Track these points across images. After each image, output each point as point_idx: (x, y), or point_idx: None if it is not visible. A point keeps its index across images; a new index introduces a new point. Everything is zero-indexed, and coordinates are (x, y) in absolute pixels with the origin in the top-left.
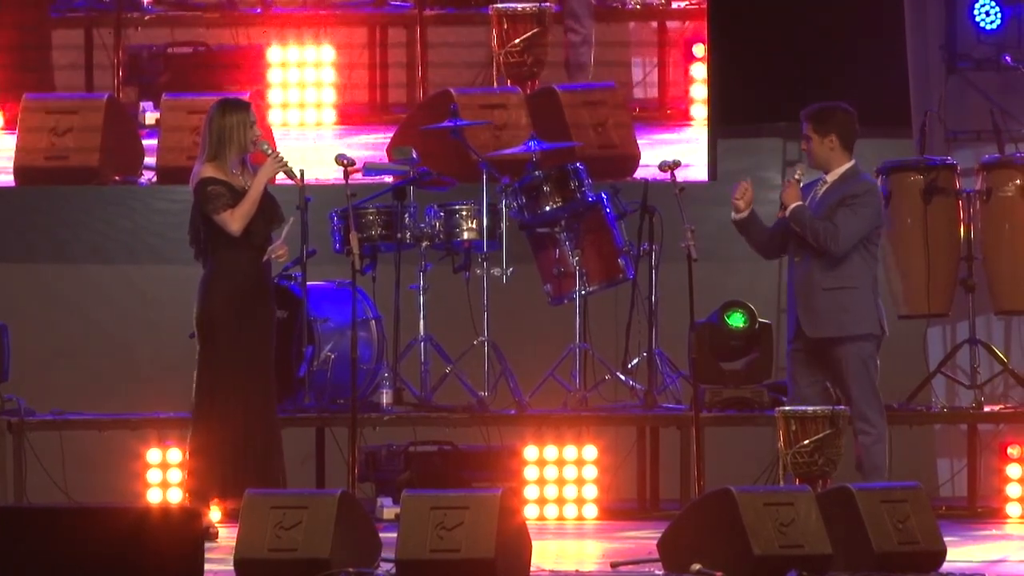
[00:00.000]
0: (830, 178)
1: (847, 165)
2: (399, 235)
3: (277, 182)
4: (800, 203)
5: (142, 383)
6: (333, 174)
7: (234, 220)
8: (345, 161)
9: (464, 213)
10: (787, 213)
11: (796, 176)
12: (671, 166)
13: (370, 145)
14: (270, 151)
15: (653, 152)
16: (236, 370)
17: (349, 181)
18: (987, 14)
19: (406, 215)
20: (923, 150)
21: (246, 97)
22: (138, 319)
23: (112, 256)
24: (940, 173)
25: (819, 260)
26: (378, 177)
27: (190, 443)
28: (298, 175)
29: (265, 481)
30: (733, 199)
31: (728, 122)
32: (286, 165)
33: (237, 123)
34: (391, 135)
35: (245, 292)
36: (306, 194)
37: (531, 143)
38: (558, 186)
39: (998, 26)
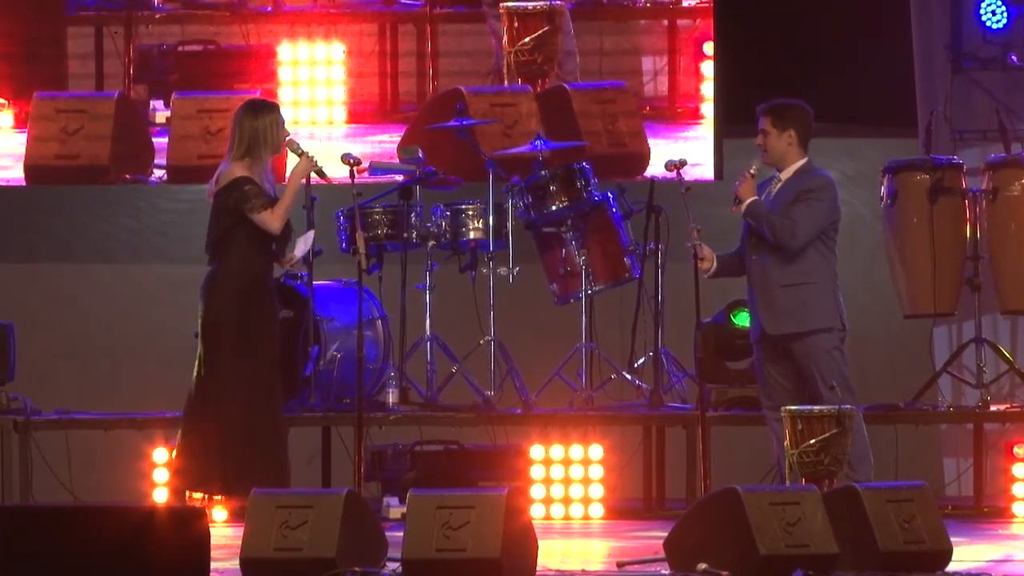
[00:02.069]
0: (784, 175)
1: (802, 161)
2: (405, 235)
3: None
4: (756, 198)
5: (148, 382)
6: (340, 173)
7: (275, 218)
8: (351, 160)
9: (470, 212)
10: (743, 208)
11: (751, 171)
12: (677, 165)
13: (381, 143)
14: (301, 150)
15: (663, 150)
16: (242, 370)
17: (355, 180)
18: (993, 13)
19: (412, 214)
20: (929, 150)
21: (257, 95)
22: (143, 318)
23: (117, 255)
24: (946, 173)
25: (776, 257)
26: (387, 176)
27: (185, 440)
28: (328, 175)
29: (272, 479)
30: (702, 268)
31: (734, 121)
32: (317, 164)
33: (270, 123)
34: (402, 134)
35: (252, 293)
36: (312, 193)
37: (537, 142)
38: (564, 185)
39: (1004, 25)
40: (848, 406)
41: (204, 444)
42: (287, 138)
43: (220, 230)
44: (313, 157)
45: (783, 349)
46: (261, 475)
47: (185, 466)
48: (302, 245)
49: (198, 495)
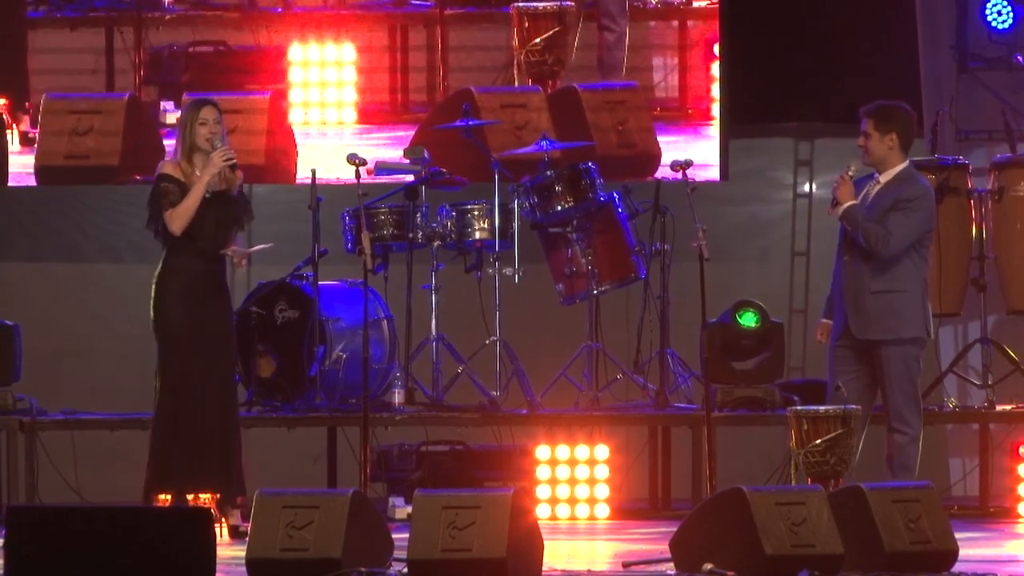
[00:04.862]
0: (883, 178)
1: (902, 166)
2: (411, 235)
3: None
4: (854, 202)
5: (154, 382)
6: (346, 174)
7: (173, 219)
8: (357, 161)
9: (476, 213)
10: (839, 211)
11: (850, 172)
12: (683, 166)
13: (391, 144)
14: (217, 147)
15: (674, 151)
16: (193, 369)
17: (361, 181)
18: (999, 14)
19: (418, 215)
20: (935, 150)
21: (266, 96)
22: (149, 318)
23: (123, 255)
24: (952, 173)
25: (869, 262)
26: (398, 176)
27: (150, 440)
28: (238, 172)
29: (225, 478)
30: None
31: (740, 122)
32: (227, 160)
33: (187, 120)
34: (411, 135)
35: (196, 292)
36: (318, 194)
37: (543, 142)
38: (570, 186)
39: (1009, 26)
40: (854, 407)
41: (158, 444)
42: (208, 137)
43: (159, 223)
44: (225, 153)
45: (864, 353)
46: (217, 473)
47: (152, 463)
48: (256, 248)
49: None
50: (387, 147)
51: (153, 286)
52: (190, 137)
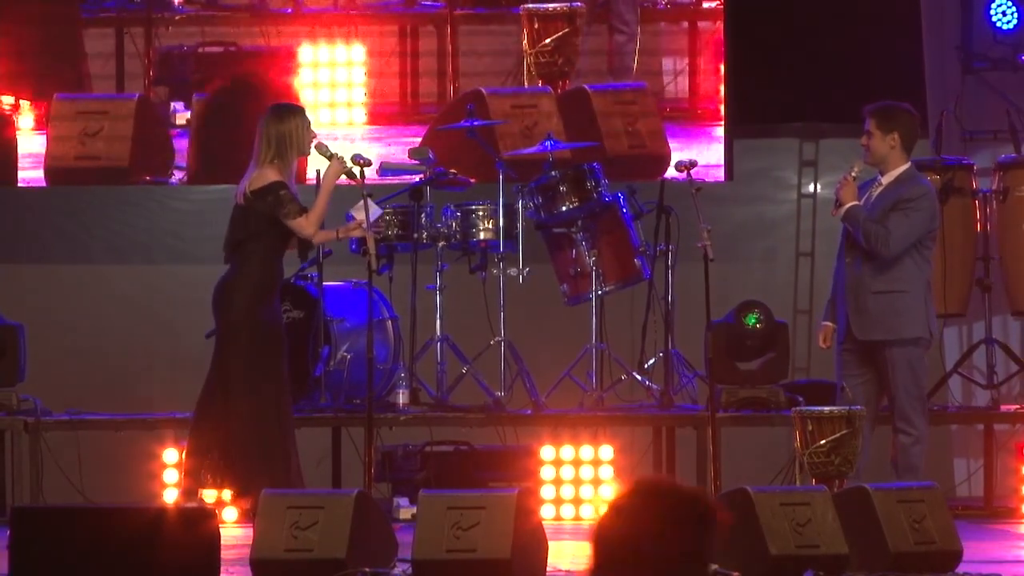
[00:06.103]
0: (885, 180)
1: (904, 167)
2: (415, 235)
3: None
4: (856, 203)
5: (159, 383)
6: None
7: (310, 224)
8: (361, 161)
9: (481, 213)
10: (841, 212)
11: (853, 173)
12: (687, 166)
13: (402, 145)
14: (331, 152)
15: (684, 152)
16: (258, 372)
17: (367, 181)
18: (1003, 14)
19: (423, 215)
20: (939, 150)
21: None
22: (155, 319)
23: (129, 256)
24: (956, 173)
25: (870, 263)
26: (403, 177)
27: (198, 440)
28: (357, 175)
29: (286, 481)
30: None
31: (744, 122)
32: (348, 166)
33: (296, 127)
34: (421, 136)
35: (268, 296)
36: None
37: (547, 143)
38: (574, 186)
39: (1014, 26)
40: (859, 407)
41: (220, 444)
42: (315, 140)
43: (246, 232)
44: (343, 159)
45: (868, 355)
46: (277, 476)
47: (197, 466)
48: (365, 213)
49: (211, 492)
50: (398, 148)
51: (228, 289)
52: (301, 142)
